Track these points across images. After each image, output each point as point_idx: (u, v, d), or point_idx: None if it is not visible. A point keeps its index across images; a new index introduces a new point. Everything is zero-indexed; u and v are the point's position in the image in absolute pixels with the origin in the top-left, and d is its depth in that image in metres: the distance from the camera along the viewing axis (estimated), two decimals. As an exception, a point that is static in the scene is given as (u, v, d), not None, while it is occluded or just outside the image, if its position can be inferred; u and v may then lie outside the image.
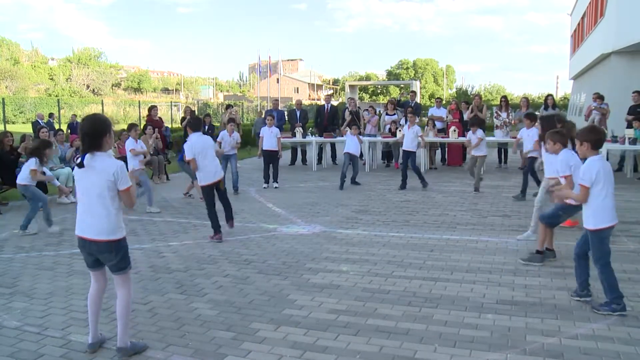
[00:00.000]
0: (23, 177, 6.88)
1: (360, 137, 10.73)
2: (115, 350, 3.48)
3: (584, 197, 4.04)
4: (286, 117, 14.80)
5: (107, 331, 3.79)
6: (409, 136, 9.87)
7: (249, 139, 16.71)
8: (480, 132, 9.61)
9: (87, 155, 3.27)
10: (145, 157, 8.53)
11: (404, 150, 9.98)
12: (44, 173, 7.27)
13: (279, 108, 16.07)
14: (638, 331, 3.67)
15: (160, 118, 13.87)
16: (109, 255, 3.38)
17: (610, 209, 4.02)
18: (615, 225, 4.07)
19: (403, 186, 9.92)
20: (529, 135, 8.38)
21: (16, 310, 4.26)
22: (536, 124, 8.58)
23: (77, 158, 3.36)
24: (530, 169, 8.53)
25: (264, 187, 10.24)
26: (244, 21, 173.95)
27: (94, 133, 3.27)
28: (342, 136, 12.97)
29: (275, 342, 3.62)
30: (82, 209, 3.38)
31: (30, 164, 6.86)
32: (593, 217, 4.03)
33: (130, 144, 8.14)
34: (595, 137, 4.08)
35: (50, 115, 19.41)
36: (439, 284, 4.72)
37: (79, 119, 21.47)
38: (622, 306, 3.94)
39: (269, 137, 10.13)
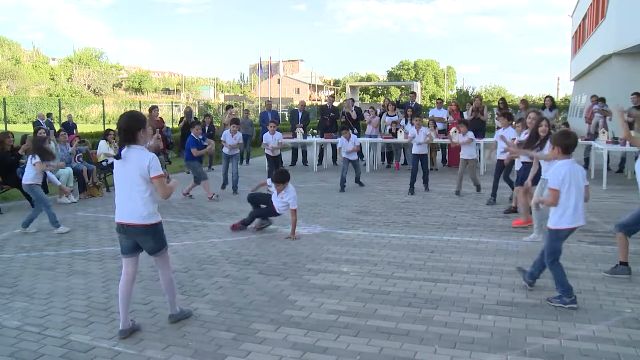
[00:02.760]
0: (28, 176, 6.89)
1: (354, 138, 10.36)
2: (115, 351, 3.50)
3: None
4: (287, 117, 14.84)
5: (107, 331, 3.80)
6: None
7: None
8: (470, 134, 9.36)
9: (124, 149, 3.60)
10: None
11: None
12: (49, 163, 7.32)
13: (273, 108, 16.14)
14: (638, 333, 3.67)
15: (161, 118, 13.92)
16: (145, 238, 3.68)
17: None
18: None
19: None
20: (505, 136, 7.82)
21: (16, 310, 4.26)
22: (513, 123, 8.02)
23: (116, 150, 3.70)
24: (506, 173, 8.15)
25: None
26: (244, 21, 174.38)
27: (129, 128, 3.59)
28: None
29: (275, 342, 3.62)
30: (120, 196, 3.68)
31: (33, 159, 6.89)
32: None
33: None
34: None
35: (49, 115, 19.43)
36: (439, 285, 4.72)
37: (75, 120, 21.53)
38: (572, 299, 4.09)
39: (273, 143, 10.63)
